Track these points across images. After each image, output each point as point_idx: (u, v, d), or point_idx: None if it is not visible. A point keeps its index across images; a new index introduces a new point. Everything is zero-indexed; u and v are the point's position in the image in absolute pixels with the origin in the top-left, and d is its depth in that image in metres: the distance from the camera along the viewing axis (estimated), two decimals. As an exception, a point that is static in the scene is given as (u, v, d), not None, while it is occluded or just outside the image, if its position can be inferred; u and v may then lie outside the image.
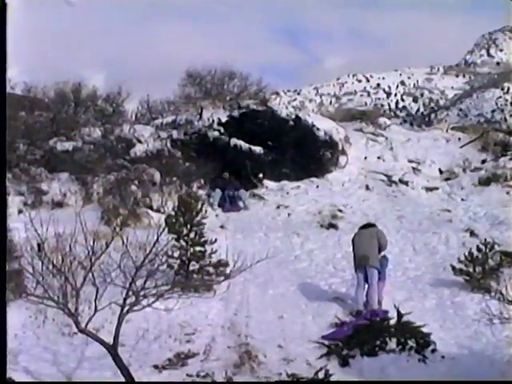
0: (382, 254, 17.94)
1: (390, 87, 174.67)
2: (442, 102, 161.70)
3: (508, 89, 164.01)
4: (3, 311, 4.69)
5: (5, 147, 4.31)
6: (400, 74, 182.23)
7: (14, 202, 21.09)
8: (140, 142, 25.42)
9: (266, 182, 24.06)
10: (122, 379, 13.29)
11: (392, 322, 16.53)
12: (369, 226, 18.33)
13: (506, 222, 22.37)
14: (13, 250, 17.39)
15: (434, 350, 15.72)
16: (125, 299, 13.31)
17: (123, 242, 14.26)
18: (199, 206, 19.20)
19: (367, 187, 24.99)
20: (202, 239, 18.45)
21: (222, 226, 20.94)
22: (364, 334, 16.16)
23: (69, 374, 14.04)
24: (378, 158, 26.88)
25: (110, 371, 13.39)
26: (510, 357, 15.55)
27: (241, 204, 21.59)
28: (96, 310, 13.19)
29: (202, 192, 21.69)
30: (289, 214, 22.88)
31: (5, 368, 4.38)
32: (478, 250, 19.19)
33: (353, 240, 18.10)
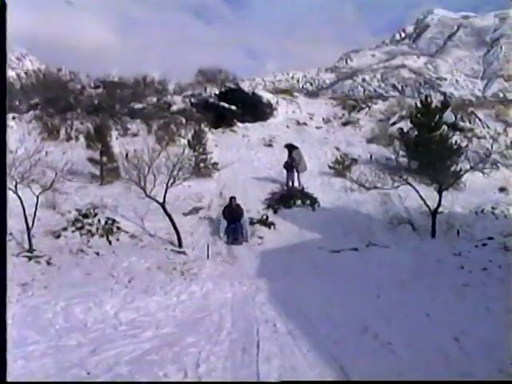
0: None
1: (298, 78, 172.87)
2: (324, 85, 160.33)
3: (355, 80, 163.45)
4: (3, 310, 3.69)
5: (5, 140, 3.67)
6: (303, 72, 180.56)
7: (113, 134, 20.65)
8: (175, 104, 25.04)
9: (238, 124, 23.76)
10: (166, 220, 13.24)
11: (299, 192, 16.53)
12: (293, 146, 18.06)
13: (354, 144, 22.32)
14: (113, 157, 17.09)
15: (319, 205, 15.78)
16: (168, 180, 13.18)
17: (167, 153, 14.06)
18: (203, 135, 18.99)
19: (287, 126, 24.67)
20: (206, 151, 18.24)
21: (216, 145, 20.80)
22: (286, 197, 16.14)
23: (142, 216, 13.93)
24: (293, 112, 26.52)
25: (161, 215, 13.31)
26: (355, 208, 15.65)
27: (244, 235, 14.08)
28: (154, 186, 13.04)
29: (206, 129, 21.47)
30: (248, 140, 22.60)
31: (5, 368, 3.63)
32: (340, 157, 19.18)
33: (295, 154, 17.58)
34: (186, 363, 5.87)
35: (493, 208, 15.06)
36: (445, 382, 4.44)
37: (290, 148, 17.75)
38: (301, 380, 4.85)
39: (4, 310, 3.75)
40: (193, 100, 25.77)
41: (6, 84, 3.74)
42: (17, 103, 23.53)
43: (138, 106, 24.59)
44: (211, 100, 25.34)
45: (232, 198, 14.79)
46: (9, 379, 3.78)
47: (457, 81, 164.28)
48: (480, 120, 24.27)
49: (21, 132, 19.74)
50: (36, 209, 12.13)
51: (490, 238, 12.09)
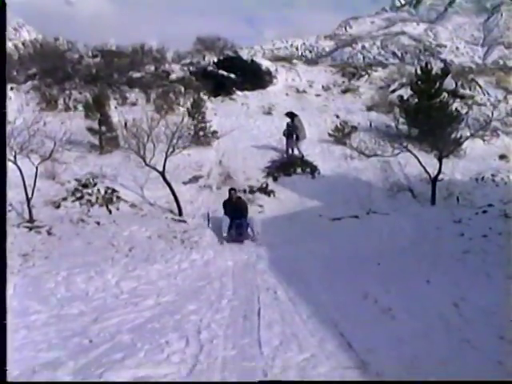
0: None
1: (297, 45, 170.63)
2: (323, 53, 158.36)
3: (355, 47, 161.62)
4: (3, 309, 3.77)
5: (5, 110, 3.47)
6: (302, 40, 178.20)
7: (112, 104, 20.39)
8: (174, 72, 24.67)
9: (237, 92, 23.39)
10: (166, 189, 13.15)
11: (299, 160, 16.40)
12: (294, 114, 17.84)
13: (354, 111, 22.00)
14: (112, 126, 16.91)
15: (319, 173, 15.66)
16: (167, 149, 13.07)
17: (166, 121, 13.89)
18: (202, 103, 18.74)
19: (287, 94, 24.33)
20: (205, 119, 17.98)
21: (215, 114, 20.52)
22: (285, 165, 16.01)
23: (141, 185, 13.78)
24: (292, 79, 26.13)
25: (161, 184, 13.22)
26: (355, 175, 15.56)
27: (249, 232, 11.66)
28: (154, 155, 12.93)
29: (205, 97, 21.20)
30: (248, 108, 22.31)
31: (5, 368, 3.80)
32: (340, 124, 18.96)
33: (297, 121, 17.36)
34: (188, 331, 5.86)
35: (493, 175, 14.97)
36: (445, 382, 4.41)
37: (291, 116, 17.55)
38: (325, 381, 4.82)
39: (4, 310, 3.57)
40: (191, 68, 25.38)
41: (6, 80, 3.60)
42: (14, 74, 23.20)
43: (137, 74, 24.24)
44: (210, 68, 24.96)
45: (232, 190, 12.72)
46: (9, 378, 3.74)
47: (457, 48, 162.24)
48: (480, 87, 23.99)
49: (19, 102, 19.54)
50: (35, 179, 12.02)
51: (490, 205, 12.03)
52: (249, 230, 11.74)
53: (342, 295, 7.05)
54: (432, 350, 5.08)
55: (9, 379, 3.93)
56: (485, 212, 11.54)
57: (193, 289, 7.77)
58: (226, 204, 12.44)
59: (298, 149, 16.86)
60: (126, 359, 5.03)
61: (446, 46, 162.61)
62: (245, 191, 14.34)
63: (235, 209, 12.16)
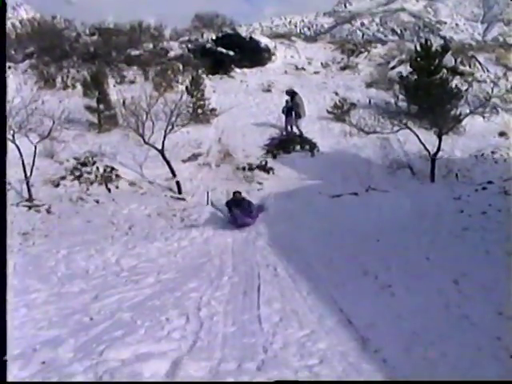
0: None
1: (296, 22, 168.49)
2: (322, 30, 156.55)
3: (353, 24, 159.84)
4: (3, 309, 3.71)
5: (5, 89, 3.38)
6: (301, 16, 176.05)
7: (110, 82, 20.16)
8: (172, 50, 24.41)
9: (235, 69, 23.10)
10: (165, 167, 13.09)
11: (298, 137, 16.29)
12: (294, 91, 17.65)
13: (353, 88, 21.77)
14: (111, 104, 16.80)
15: (318, 150, 15.57)
16: (166, 127, 12.98)
17: (165, 99, 13.75)
18: (201, 80, 18.51)
19: (286, 72, 24.05)
20: (204, 97, 17.81)
21: (214, 91, 20.31)
22: (284, 143, 15.91)
23: (141, 163, 13.67)
24: (291, 56, 25.82)
25: (160, 162, 13.15)
26: (355, 153, 15.48)
27: (263, 208, 11.44)
28: (152, 132, 12.85)
29: (203, 75, 20.95)
30: (247, 85, 22.07)
31: (5, 367, 3.34)
32: (339, 101, 18.80)
33: (297, 99, 17.19)
34: (188, 308, 5.85)
35: (492, 152, 14.90)
36: (445, 382, 4.39)
37: (292, 93, 17.37)
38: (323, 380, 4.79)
39: (4, 308, 3.49)
40: (190, 46, 25.06)
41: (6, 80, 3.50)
42: (12, 52, 22.93)
43: (135, 52, 23.97)
44: (208, 45, 24.65)
45: (236, 193, 11.68)
46: (9, 377, 3.70)
47: (457, 24, 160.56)
48: (480, 64, 23.77)
49: (17, 81, 19.34)
50: (34, 158, 11.96)
51: (490, 182, 11.95)
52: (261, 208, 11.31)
53: (342, 272, 7.03)
54: (431, 326, 5.07)
55: (9, 377, 3.89)
56: (484, 189, 11.47)
57: (193, 266, 7.76)
58: (229, 202, 11.45)
59: (297, 126, 16.73)
60: (127, 336, 5.01)
61: (445, 23, 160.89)
62: (244, 169, 14.27)
63: (238, 203, 11.18)
